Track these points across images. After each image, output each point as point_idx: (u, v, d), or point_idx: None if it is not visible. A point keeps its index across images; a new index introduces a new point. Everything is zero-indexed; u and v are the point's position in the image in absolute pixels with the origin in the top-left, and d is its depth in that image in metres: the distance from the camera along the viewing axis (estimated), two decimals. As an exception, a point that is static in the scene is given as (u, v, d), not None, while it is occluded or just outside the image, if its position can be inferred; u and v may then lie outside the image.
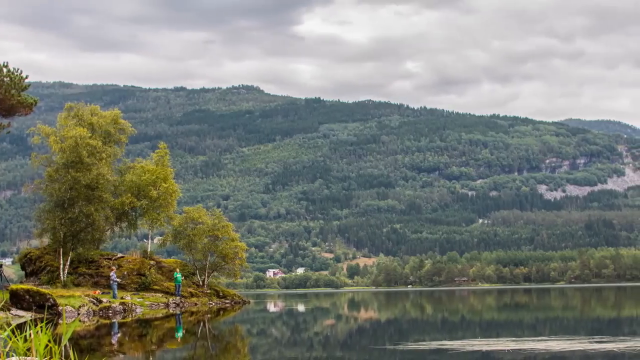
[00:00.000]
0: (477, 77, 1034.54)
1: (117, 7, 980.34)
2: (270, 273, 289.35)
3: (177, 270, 55.22)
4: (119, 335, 29.03)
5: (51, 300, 37.44)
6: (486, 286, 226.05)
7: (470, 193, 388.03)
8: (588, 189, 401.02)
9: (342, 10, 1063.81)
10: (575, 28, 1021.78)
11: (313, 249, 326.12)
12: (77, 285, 51.75)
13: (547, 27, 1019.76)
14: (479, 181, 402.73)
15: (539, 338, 23.40)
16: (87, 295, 44.69)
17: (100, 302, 44.29)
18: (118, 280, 49.00)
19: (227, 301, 59.50)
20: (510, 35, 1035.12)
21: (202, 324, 36.20)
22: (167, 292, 53.68)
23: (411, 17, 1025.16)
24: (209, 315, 43.63)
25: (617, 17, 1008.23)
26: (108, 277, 50.51)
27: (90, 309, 41.55)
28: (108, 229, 58.25)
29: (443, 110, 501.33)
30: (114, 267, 50.81)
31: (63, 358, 9.03)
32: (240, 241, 62.38)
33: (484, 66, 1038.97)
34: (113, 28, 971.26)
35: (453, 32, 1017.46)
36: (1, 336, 8.52)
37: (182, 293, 53.99)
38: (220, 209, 75.23)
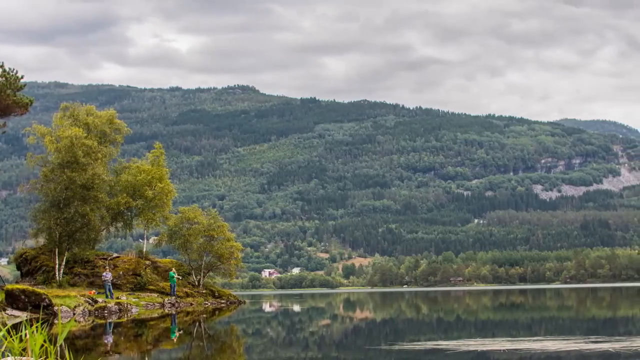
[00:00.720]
0: (348, 89, 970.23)
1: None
2: (265, 273, 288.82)
3: (173, 269, 55.02)
4: (111, 337, 28.99)
5: (47, 300, 37.37)
6: (482, 286, 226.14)
7: (465, 193, 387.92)
8: (583, 189, 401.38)
9: (155, 27, 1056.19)
10: (410, 40, 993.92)
11: (308, 249, 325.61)
12: (73, 285, 51.68)
13: (383, 41, 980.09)
14: (474, 181, 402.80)
15: (535, 338, 23.43)
16: (83, 295, 44.63)
17: (96, 302, 44.25)
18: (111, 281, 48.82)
19: (223, 301, 59.46)
20: (352, 50, 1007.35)
21: (197, 324, 36.18)
22: (162, 292, 53.64)
23: (237, 33, 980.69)
24: (204, 316, 43.61)
25: (451, 28, 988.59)
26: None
27: (86, 309, 41.50)
28: (104, 229, 58.23)
29: (439, 110, 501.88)
30: (107, 268, 50.70)
31: (59, 358, 9.02)
32: (235, 241, 62.37)
33: (348, 79, 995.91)
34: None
35: (292, 47, 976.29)
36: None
37: (177, 293, 53.91)
38: (215, 209, 75.16)
